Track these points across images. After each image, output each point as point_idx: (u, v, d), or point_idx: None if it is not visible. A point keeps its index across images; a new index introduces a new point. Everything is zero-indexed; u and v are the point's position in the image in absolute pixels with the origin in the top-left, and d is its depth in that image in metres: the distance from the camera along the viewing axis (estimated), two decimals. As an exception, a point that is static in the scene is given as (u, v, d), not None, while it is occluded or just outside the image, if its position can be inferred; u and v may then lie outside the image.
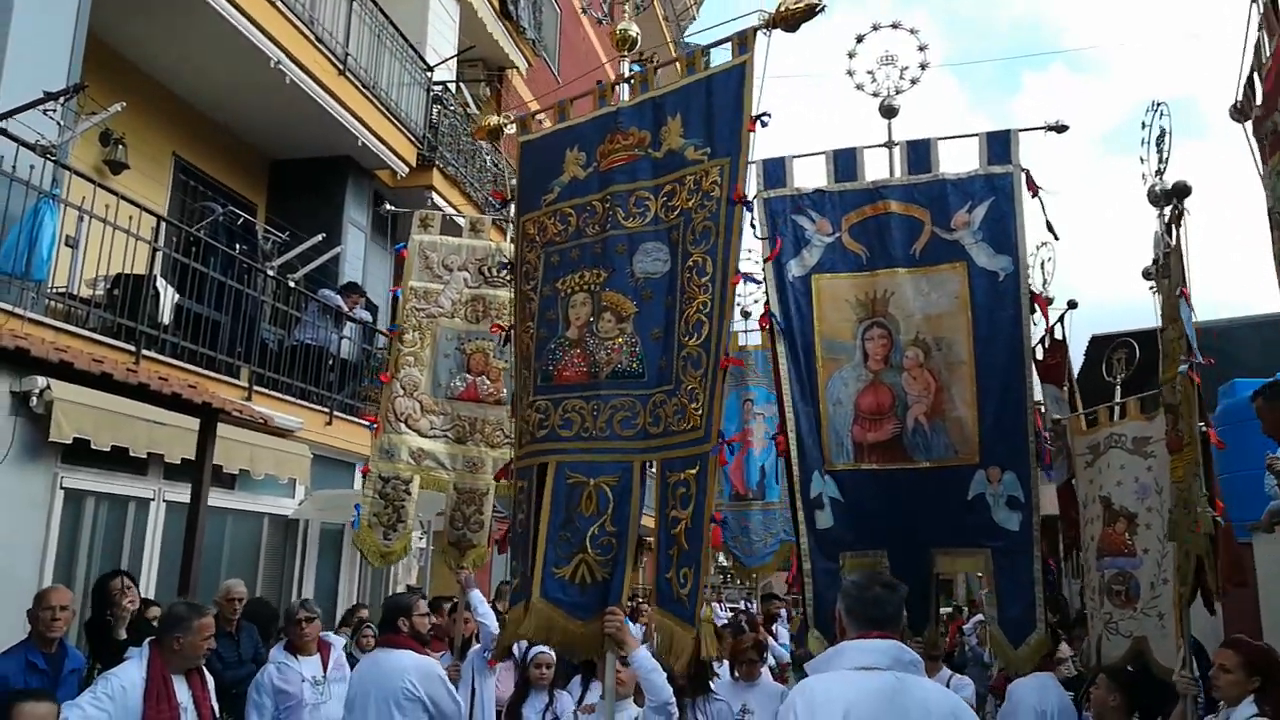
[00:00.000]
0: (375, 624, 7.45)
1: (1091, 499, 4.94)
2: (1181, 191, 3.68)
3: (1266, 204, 2.68)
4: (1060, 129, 4.68)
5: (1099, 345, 7.13)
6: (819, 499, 4.79)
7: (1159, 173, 3.81)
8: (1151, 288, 4.13)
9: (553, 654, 5.20)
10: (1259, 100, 2.70)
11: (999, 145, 4.78)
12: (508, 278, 5.26)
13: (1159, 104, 3.84)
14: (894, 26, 5.01)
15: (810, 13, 3.63)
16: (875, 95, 5.02)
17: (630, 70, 4.20)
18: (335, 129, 10.22)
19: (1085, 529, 5.09)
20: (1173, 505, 3.89)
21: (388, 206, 6.91)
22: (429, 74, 11.86)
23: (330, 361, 9.71)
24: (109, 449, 6.36)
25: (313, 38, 9.46)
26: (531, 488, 3.81)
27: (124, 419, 6.48)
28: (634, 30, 4.24)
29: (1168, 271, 3.80)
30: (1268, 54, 2.63)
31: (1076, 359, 7.03)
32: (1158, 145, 3.82)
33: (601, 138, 4.00)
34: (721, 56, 3.77)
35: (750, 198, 3.74)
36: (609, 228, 3.85)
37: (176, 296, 7.85)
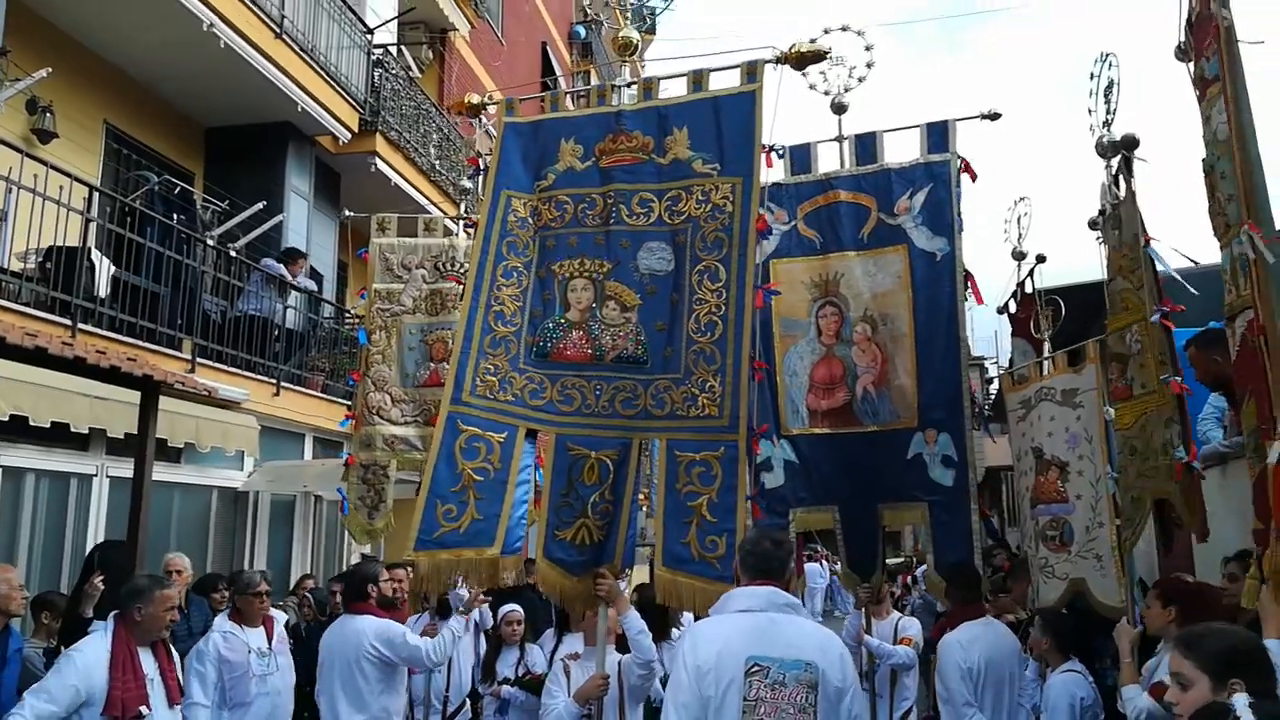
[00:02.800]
0: (320, 594, 7.52)
1: (1024, 451, 5.13)
2: (1130, 143, 3.74)
3: (1205, 140, 2.73)
4: (994, 117, 5.13)
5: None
6: (767, 462, 5.30)
7: (1107, 124, 3.86)
8: (1097, 238, 4.20)
9: (522, 612, 5.66)
10: (1192, 47, 2.76)
11: (937, 135, 5.23)
12: (463, 270, 5.96)
13: (1107, 55, 3.89)
14: (843, 29, 5.34)
15: (818, 58, 4.19)
16: (826, 94, 5.42)
17: (600, 73, 4.28)
18: (273, 94, 9.98)
19: (1019, 481, 5.30)
20: (1119, 451, 3.99)
21: (346, 212, 7.05)
22: (369, 37, 11.61)
23: (275, 332, 9.58)
24: (49, 425, 6.25)
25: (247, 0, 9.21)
26: (511, 443, 4.08)
27: (64, 394, 6.36)
28: (635, 36, 4.57)
29: (1116, 223, 3.87)
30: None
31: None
32: (1105, 96, 3.87)
33: (601, 136, 4.26)
34: (726, 80, 4.14)
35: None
36: (611, 222, 4.15)
37: (113, 269, 7.67)
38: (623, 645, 4.27)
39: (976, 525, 5.10)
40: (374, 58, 11.68)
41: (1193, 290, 3.58)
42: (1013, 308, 6.78)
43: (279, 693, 5.25)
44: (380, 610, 5.13)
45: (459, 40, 14.82)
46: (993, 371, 24.08)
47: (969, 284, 5.20)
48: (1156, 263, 3.62)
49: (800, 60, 4.14)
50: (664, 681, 3.81)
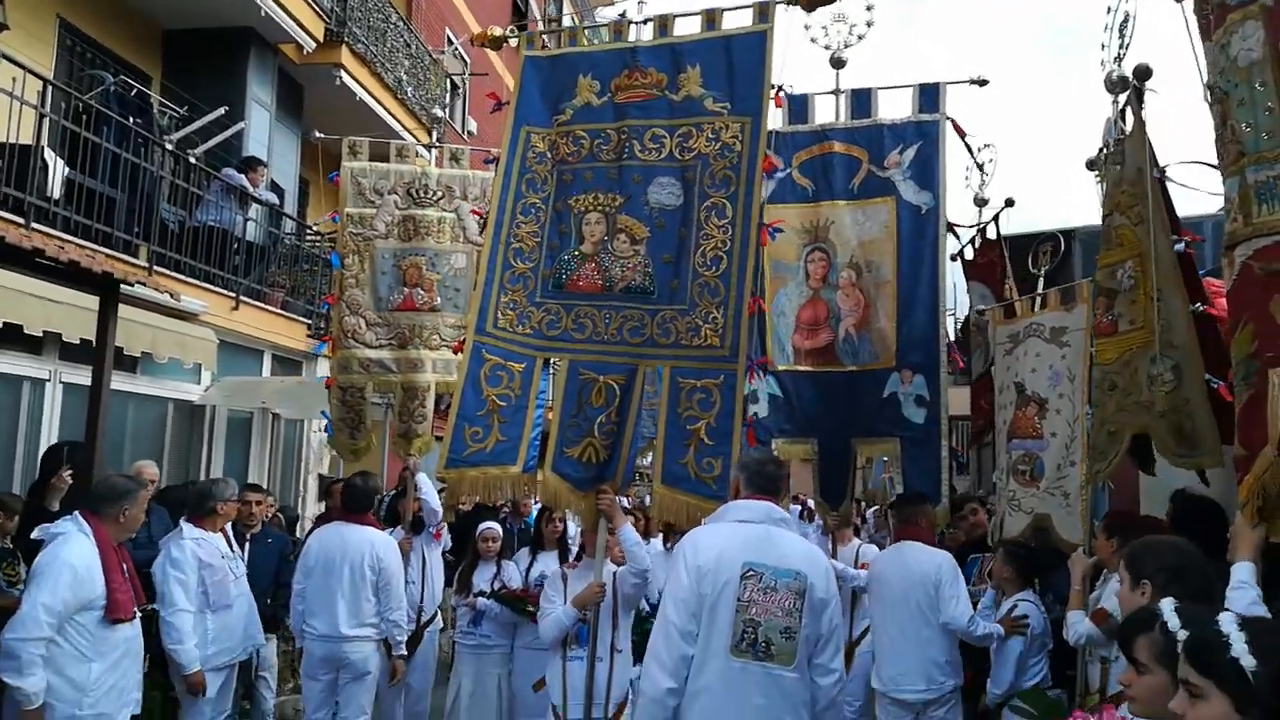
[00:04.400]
0: (289, 511, 7.51)
1: (1006, 385, 5.27)
2: (1142, 74, 3.71)
3: (1206, 80, 2.73)
4: (981, 83, 5.41)
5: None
6: (753, 394, 5.43)
7: (1119, 59, 3.84)
8: (1097, 177, 4.21)
9: (499, 529, 5.84)
10: None
11: (929, 96, 5.47)
12: (437, 198, 6.28)
13: None
14: None
15: (828, 0, 4.27)
16: (826, 48, 5.62)
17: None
18: (236, -4, 9.58)
19: (999, 414, 5.47)
20: (1097, 386, 4.04)
21: (316, 133, 6.89)
22: (338, -58, 11.18)
23: (235, 244, 9.33)
24: (1, 326, 6.04)
25: (211, -108, 8.78)
26: (530, 372, 4.35)
27: (16, 295, 6.15)
28: None
29: (1119, 158, 3.86)
30: None
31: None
32: (1120, 30, 3.84)
33: (617, 71, 4.39)
34: (738, 20, 4.25)
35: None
36: (624, 157, 4.30)
37: (66, 169, 7.38)
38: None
39: (944, 459, 5.31)
40: (342, -35, 11.25)
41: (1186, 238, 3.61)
42: (969, 254, 6.89)
43: (248, 593, 5.25)
44: (378, 523, 5.43)
45: (431, -47, 14.34)
46: (950, 324, 24.41)
47: (952, 233, 5.50)
48: (1175, 184, 3.61)
49: (811, 2, 4.23)
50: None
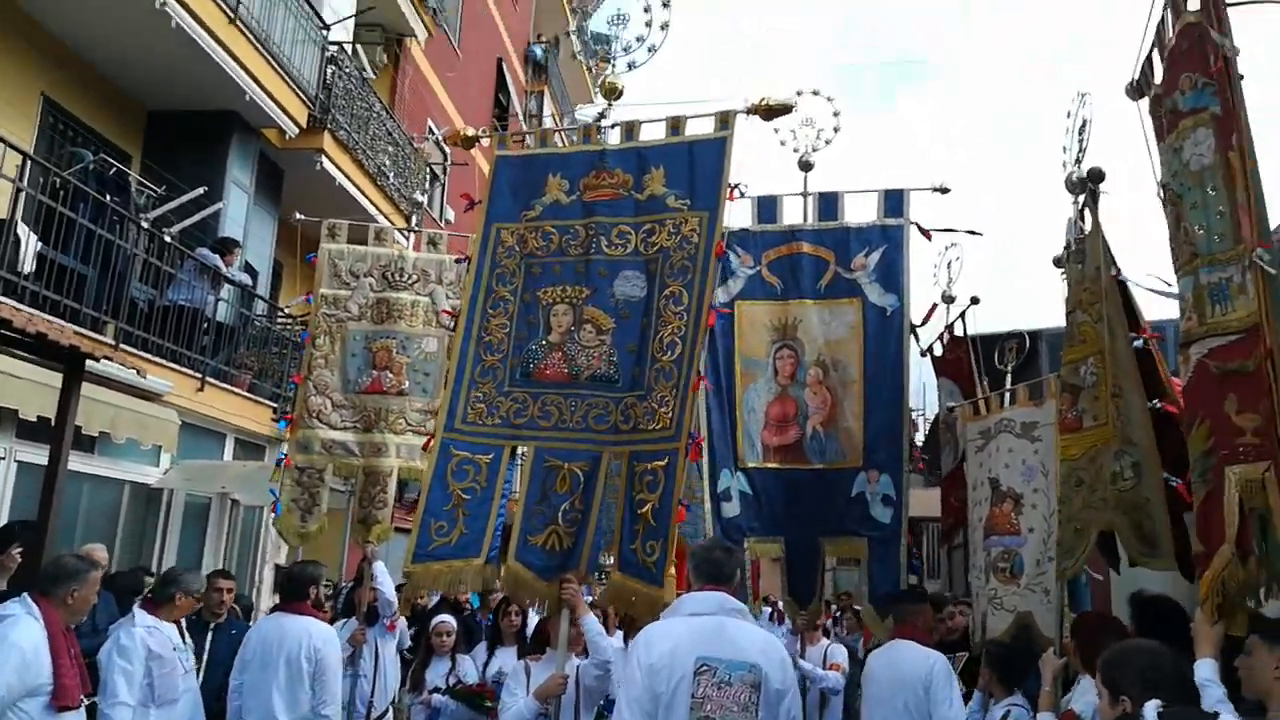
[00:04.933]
0: (245, 601, 7.28)
1: (980, 481, 5.30)
2: (1095, 177, 3.89)
3: (1160, 179, 2.83)
4: (944, 191, 5.61)
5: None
6: (726, 492, 5.55)
7: (1078, 160, 4.00)
8: (1062, 275, 4.34)
9: (454, 622, 5.80)
10: (1159, 79, 2.86)
11: (893, 201, 5.69)
12: (412, 281, 6.33)
13: (1083, 94, 4.07)
14: (814, 94, 5.90)
15: (785, 110, 4.57)
16: (795, 151, 5.89)
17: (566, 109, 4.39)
18: (222, 81, 9.71)
19: (973, 510, 5.50)
20: (1064, 482, 4.07)
21: (298, 215, 7.01)
22: (325, 33, 11.43)
23: (205, 325, 9.28)
24: (-44, 401, 5.92)
25: (202, -18, 8.98)
26: (498, 462, 4.41)
27: (-26, 370, 6.05)
28: (620, 83, 4.84)
29: (1080, 257, 3.98)
30: (1170, 35, 2.78)
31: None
32: (1079, 134, 4.01)
33: (586, 171, 4.63)
34: (701, 126, 4.52)
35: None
36: (592, 252, 4.49)
37: (39, 244, 7.35)
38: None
39: (903, 560, 5.38)
40: (328, 55, 11.49)
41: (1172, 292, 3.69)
42: (938, 350, 7.02)
43: (195, 689, 5.05)
44: (317, 612, 5.25)
45: (415, 47, 14.70)
46: (920, 423, 24.63)
47: (915, 336, 5.70)
48: (1134, 285, 3.72)
49: (769, 112, 4.50)
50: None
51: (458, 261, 6.14)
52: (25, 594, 3.97)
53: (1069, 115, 4.06)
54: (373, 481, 6.12)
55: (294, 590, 5.31)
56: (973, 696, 4.82)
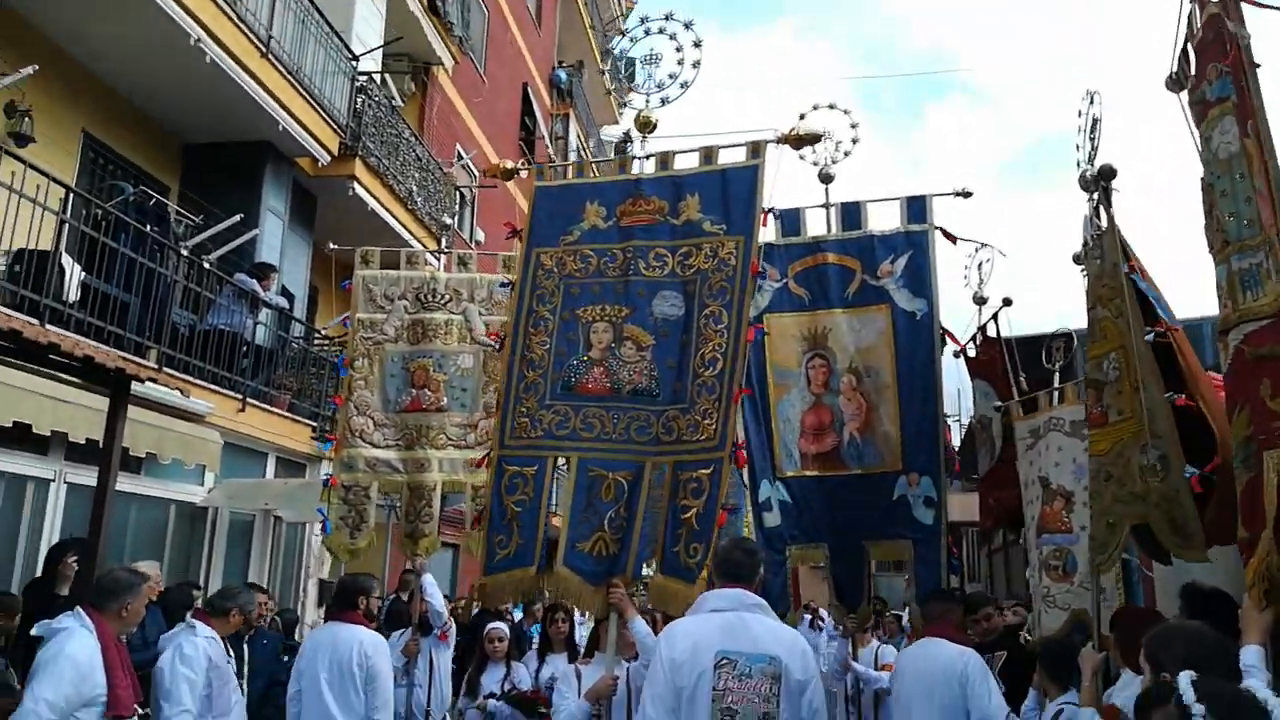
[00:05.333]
0: (289, 615, 7.41)
1: (1031, 480, 5.33)
2: (1107, 174, 3.92)
3: (1203, 171, 2.85)
4: (966, 195, 5.62)
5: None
6: (767, 502, 5.69)
7: (1091, 158, 4.04)
8: (1082, 271, 4.37)
9: (506, 630, 5.92)
10: (1193, 70, 2.89)
11: (916, 207, 5.73)
12: (445, 301, 6.51)
13: (1092, 93, 4.10)
14: (830, 107, 5.94)
15: (814, 140, 4.84)
16: (814, 165, 5.93)
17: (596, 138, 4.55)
18: (255, 113, 9.96)
19: (1027, 509, 5.54)
20: (1093, 478, 4.07)
21: (331, 245, 7.24)
22: (354, 63, 11.67)
23: (244, 348, 9.47)
24: (10, 425, 6.09)
25: (235, 17, 9.22)
26: (542, 473, 4.60)
27: (25, 394, 6.22)
28: (655, 117, 5.00)
29: (1098, 254, 4.00)
30: (1198, 26, 2.83)
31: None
32: (1090, 133, 4.05)
33: (622, 199, 4.84)
34: (733, 155, 4.73)
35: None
36: (630, 273, 4.69)
37: (83, 274, 7.56)
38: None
39: (944, 560, 5.42)
40: (357, 84, 11.73)
41: (1172, 314, 3.73)
42: (972, 351, 7.02)
43: (243, 702, 5.15)
44: (368, 621, 5.43)
45: (442, 74, 14.95)
46: (955, 427, 24.52)
47: (946, 339, 5.68)
48: (1138, 285, 3.75)
49: (798, 142, 4.72)
50: None
51: (503, 285, 6.27)
52: (79, 608, 4.07)
53: (1080, 114, 4.10)
54: (417, 496, 6.25)
55: (345, 600, 5.48)
56: (1028, 695, 4.79)
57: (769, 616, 3.40)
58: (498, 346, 5.30)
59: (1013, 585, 10.66)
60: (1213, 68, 2.73)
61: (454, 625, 6.46)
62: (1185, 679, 1.91)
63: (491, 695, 5.51)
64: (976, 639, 5.82)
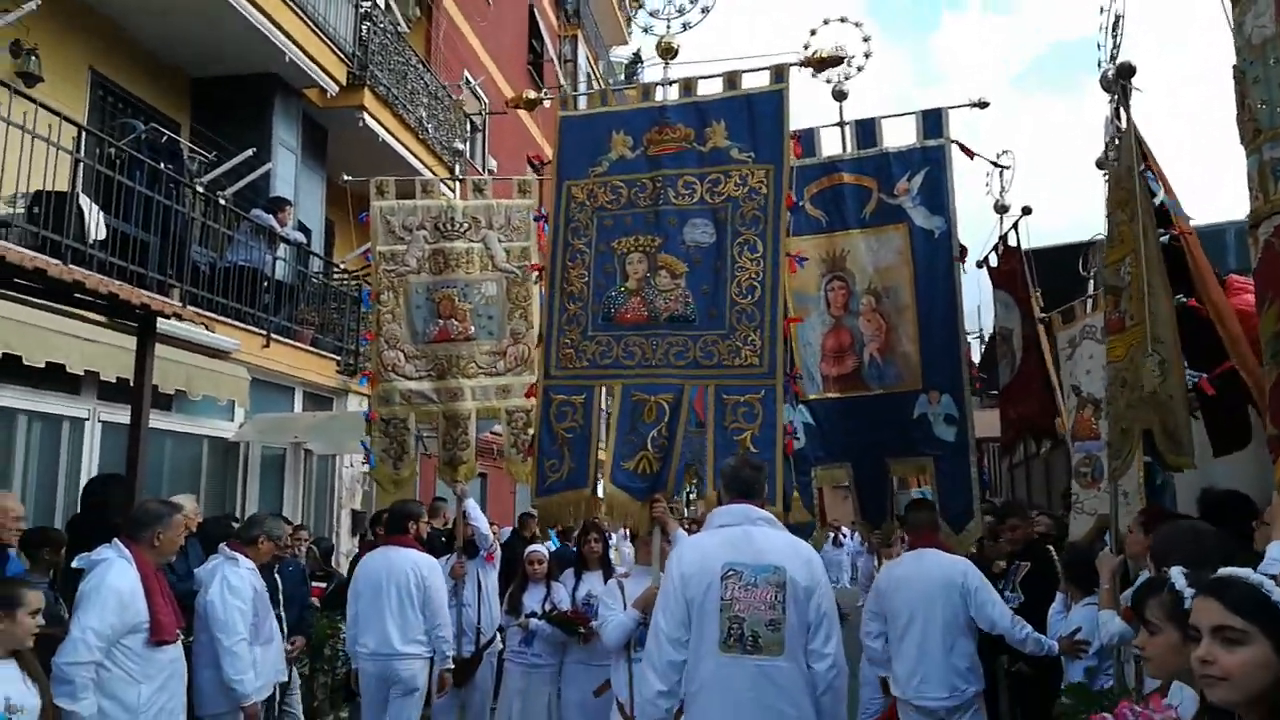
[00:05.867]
0: (325, 544, 7.61)
1: (1068, 390, 5.29)
2: (1126, 72, 3.82)
3: (1235, 57, 2.76)
4: (983, 105, 5.51)
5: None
6: (790, 425, 5.60)
7: (1113, 58, 3.93)
8: (1105, 176, 4.29)
9: (545, 552, 6.20)
10: None
11: (932, 121, 5.60)
12: (464, 229, 6.50)
13: None
14: (842, 21, 5.76)
15: (837, 62, 4.89)
16: (828, 82, 5.73)
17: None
18: (261, 44, 9.83)
19: (1067, 419, 5.51)
20: (1110, 383, 4.07)
21: (345, 176, 7.15)
22: (358, -11, 11.45)
23: (265, 283, 9.51)
24: (43, 365, 6.19)
25: (236, -55, 9.04)
26: (590, 401, 4.79)
27: (57, 335, 6.30)
28: (676, 43, 4.94)
29: (1117, 157, 3.92)
30: None
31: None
32: (1112, 31, 3.93)
33: (648, 127, 4.86)
34: (757, 80, 4.75)
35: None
36: (660, 203, 4.76)
37: (103, 215, 7.57)
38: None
39: (974, 475, 5.43)
40: (362, 11, 11.52)
41: (1189, 216, 3.67)
42: (994, 261, 6.94)
43: (277, 628, 5.30)
44: (419, 545, 5.71)
45: (447, -2, 14.65)
46: (974, 344, 24.49)
47: (963, 256, 5.61)
48: (1153, 189, 3.69)
49: (820, 64, 4.77)
50: None
51: (537, 219, 6.19)
52: (116, 539, 4.19)
53: (1101, 11, 3.98)
54: (453, 425, 6.33)
55: (397, 525, 5.74)
56: (1055, 599, 4.88)
57: (775, 529, 3.54)
58: (538, 279, 5.35)
59: (1034, 498, 10.73)
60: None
61: (499, 547, 6.67)
62: (1177, 570, 1.99)
63: (533, 614, 5.72)
64: (1007, 546, 5.92)
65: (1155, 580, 2.16)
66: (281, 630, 5.53)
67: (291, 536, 6.54)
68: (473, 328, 6.44)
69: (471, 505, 6.35)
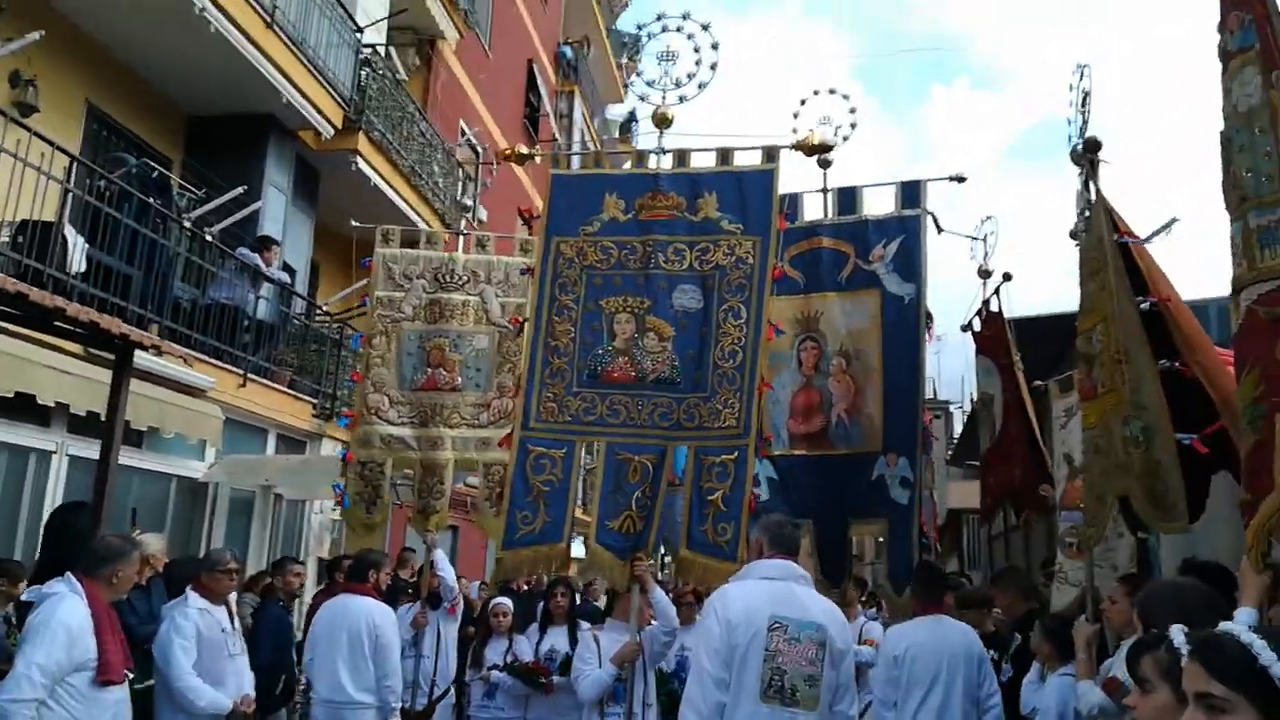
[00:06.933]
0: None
1: (1061, 459, 5.34)
2: (1092, 146, 3.94)
3: (1222, 124, 2.80)
4: (960, 180, 5.71)
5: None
6: (755, 478, 5.69)
7: (1081, 132, 4.03)
8: (1077, 246, 4.35)
9: (510, 604, 6.22)
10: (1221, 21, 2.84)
11: (910, 192, 5.82)
12: (463, 282, 6.62)
13: (1083, 66, 4.07)
14: (831, 92, 6.07)
15: (826, 149, 5.12)
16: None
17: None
18: (259, 84, 9.90)
19: (1057, 487, 5.70)
20: (1085, 451, 4.08)
21: (353, 223, 7.32)
22: (358, 35, 11.59)
23: (246, 322, 9.44)
24: (13, 395, 6.08)
25: (239, -12, 9.15)
26: (570, 456, 4.84)
27: (29, 365, 6.22)
28: (671, 113, 5.13)
29: (1087, 227, 3.99)
30: None
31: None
32: (1081, 107, 4.03)
33: (641, 193, 5.01)
34: (749, 158, 4.97)
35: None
36: (650, 267, 4.90)
37: (87, 246, 7.53)
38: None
39: (915, 538, 5.55)
40: (362, 57, 11.65)
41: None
42: (977, 325, 7.00)
43: (243, 673, 5.16)
44: (377, 594, 5.71)
45: (446, 49, 14.85)
46: (957, 415, 24.56)
47: (929, 324, 5.82)
48: (1131, 243, 3.75)
49: (810, 150, 4.97)
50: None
51: (523, 272, 6.30)
52: (69, 573, 4.05)
53: (1071, 89, 4.10)
54: (430, 473, 6.35)
55: (358, 572, 5.75)
56: (1031, 668, 4.80)
57: (813, 589, 3.69)
58: (517, 331, 5.42)
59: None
60: (1235, 16, 2.69)
61: (462, 600, 6.77)
62: (1176, 629, 1.91)
63: (495, 666, 5.75)
64: (1001, 620, 5.82)
65: (1150, 637, 2.11)
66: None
67: (293, 575, 6.68)
68: (460, 379, 6.51)
69: (439, 556, 6.37)
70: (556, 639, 5.72)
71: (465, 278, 6.63)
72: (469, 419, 6.43)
